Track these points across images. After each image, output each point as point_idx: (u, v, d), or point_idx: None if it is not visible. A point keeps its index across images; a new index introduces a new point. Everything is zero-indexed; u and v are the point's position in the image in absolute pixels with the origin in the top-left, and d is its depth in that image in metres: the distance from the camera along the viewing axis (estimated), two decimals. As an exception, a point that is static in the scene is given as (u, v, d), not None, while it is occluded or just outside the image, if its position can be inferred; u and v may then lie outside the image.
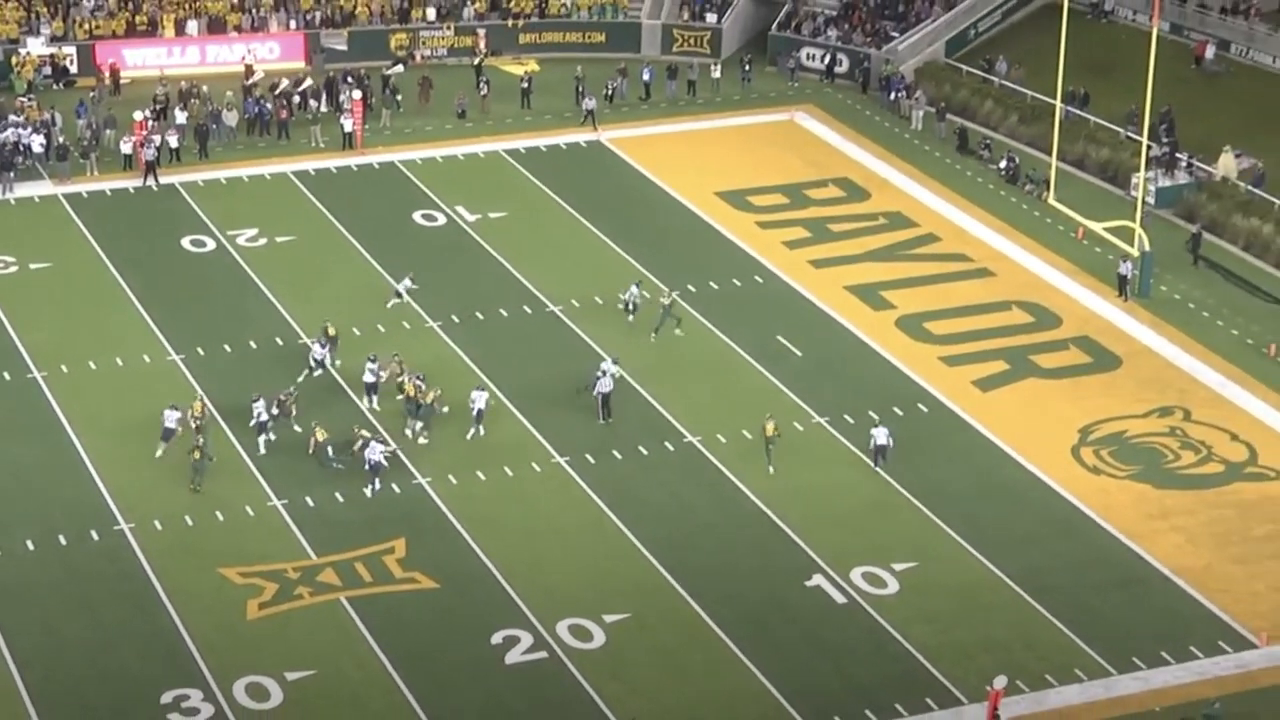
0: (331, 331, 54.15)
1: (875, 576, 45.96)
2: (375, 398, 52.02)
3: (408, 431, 50.49)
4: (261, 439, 49.81)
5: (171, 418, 49.70)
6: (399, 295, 54.69)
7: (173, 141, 67.27)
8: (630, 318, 56.72)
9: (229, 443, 50.33)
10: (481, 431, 50.39)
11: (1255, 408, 53.77)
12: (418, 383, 51.11)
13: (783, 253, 62.36)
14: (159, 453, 49.60)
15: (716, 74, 75.44)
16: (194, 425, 49.30)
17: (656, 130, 71.93)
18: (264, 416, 49.80)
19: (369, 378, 52.08)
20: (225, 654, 42.54)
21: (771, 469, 49.57)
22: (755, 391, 53.68)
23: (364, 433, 49.46)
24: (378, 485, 48.52)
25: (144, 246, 61.65)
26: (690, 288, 59.31)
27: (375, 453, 48.57)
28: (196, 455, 47.93)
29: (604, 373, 51.83)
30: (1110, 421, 53.00)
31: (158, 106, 69.76)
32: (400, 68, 73.85)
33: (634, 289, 57.17)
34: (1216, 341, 57.39)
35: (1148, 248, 59.90)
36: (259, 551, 46.09)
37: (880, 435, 49.93)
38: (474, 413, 50.60)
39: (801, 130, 72.31)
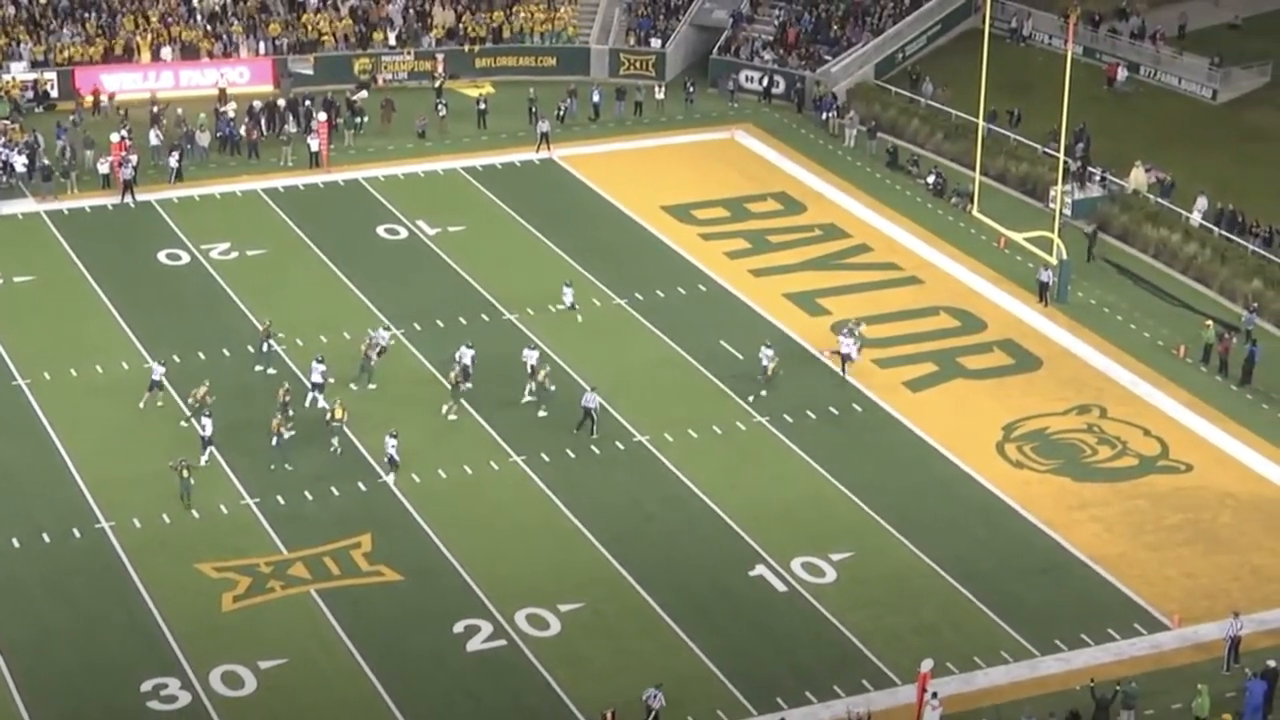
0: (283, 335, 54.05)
1: (814, 566, 45.93)
2: (322, 396, 51.81)
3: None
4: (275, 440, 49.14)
5: (158, 371, 50.83)
6: (380, 350, 53.66)
7: (173, 161, 66.51)
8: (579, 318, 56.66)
9: (200, 444, 49.96)
10: (393, 478, 48.73)
11: (1166, 405, 53.99)
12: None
13: (724, 263, 62.31)
14: (141, 404, 50.13)
15: (661, 95, 75.36)
16: (197, 403, 49.13)
17: (605, 148, 71.79)
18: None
19: (316, 378, 51.89)
20: (201, 644, 42.21)
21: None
22: (700, 393, 53.58)
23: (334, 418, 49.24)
24: (394, 478, 48.37)
25: (122, 260, 61.16)
26: (638, 296, 59.21)
27: (389, 447, 48.47)
28: (184, 473, 47.06)
29: (588, 401, 51.30)
30: (1032, 419, 53.13)
31: (159, 115, 69.17)
32: (364, 92, 73.48)
33: (566, 290, 56.71)
34: (1130, 343, 57.61)
35: (1065, 256, 60.09)
36: (233, 547, 45.75)
37: (765, 357, 50.14)
38: (387, 457, 48.56)
39: (741, 148, 72.29)
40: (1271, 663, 41.23)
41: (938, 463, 50.83)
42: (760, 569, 45.83)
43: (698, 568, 45.76)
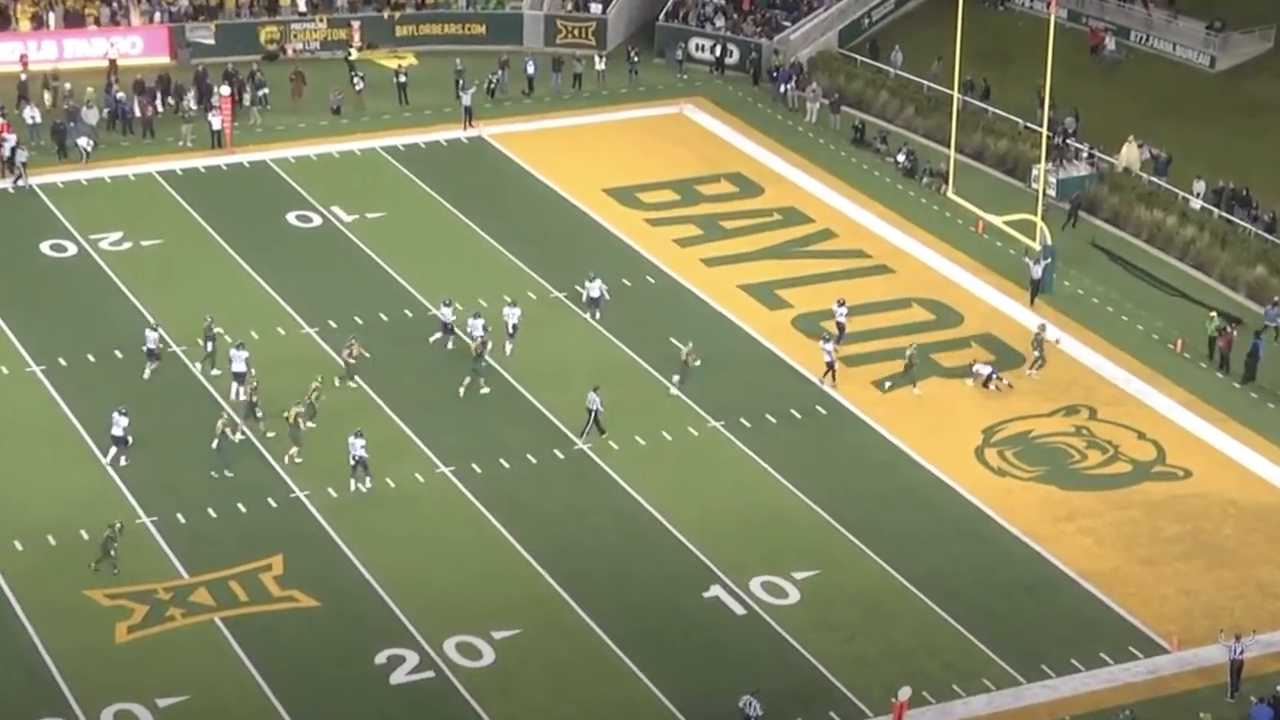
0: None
1: (775, 586, 46.01)
2: (242, 388, 51.83)
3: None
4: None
5: (152, 338, 52.71)
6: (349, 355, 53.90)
7: (84, 142, 66.12)
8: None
9: (95, 457, 49.66)
10: (367, 484, 49.29)
11: (1162, 405, 54.33)
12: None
13: (674, 251, 62.37)
14: (146, 374, 52.60)
15: (602, 66, 75.40)
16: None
17: (541, 125, 71.77)
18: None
19: (239, 366, 51.97)
20: (93, 680, 41.93)
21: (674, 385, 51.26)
22: (648, 396, 53.61)
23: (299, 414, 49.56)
24: (368, 483, 48.61)
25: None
26: (578, 288, 59.19)
27: (356, 449, 48.53)
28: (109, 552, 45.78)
29: (592, 402, 51.48)
30: (1014, 421, 53.37)
31: (39, 87, 68.83)
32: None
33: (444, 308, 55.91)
34: (1122, 337, 57.96)
35: (1049, 241, 60.39)
36: (127, 571, 45.46)
37: (594, 289, 50.18)
38: (353, 459, 49.03)
39: (691, 124, 72.38)
40: (1280, 687, 41.59)
41: (910, 470, 50.99)
42: (716, 589, 45.87)
43: (647, 588, 45.76)
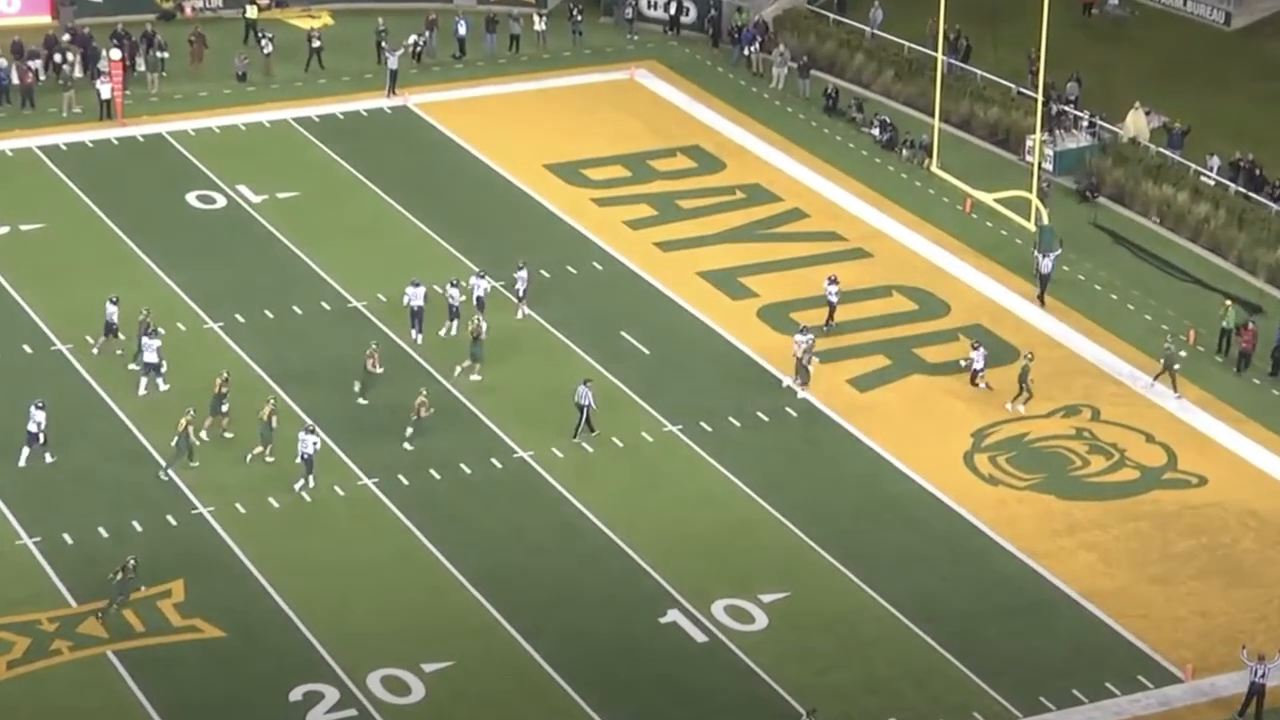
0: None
1: (740, 610, 46.11)
2: (160, 379, 52.17)
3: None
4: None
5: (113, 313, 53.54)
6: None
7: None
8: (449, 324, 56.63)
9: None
10: (311, 482, 49.69)
11: (1173, 405, 54.61)
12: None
13: (625, 234, 62.45)
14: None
15: (542, 26, 75.41)
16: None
17: (474, 93, 71.79)
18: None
19: (151, 357, 52.29)
20: (-31, 723, 41.85)
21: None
22: (596, 397, 53.63)
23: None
24: (311, 483, 49.07)
25: None
26: (517, 276, 59.18)
27: (308, 445, 48.80)
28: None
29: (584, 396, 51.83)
30: (1008, 424, 53.61)
31: None
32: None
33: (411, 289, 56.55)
34: (1128, 329, 58.26)
35: (1046, 221, 60.64)
36: (7, 599, 45.30)
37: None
38: (302, 457, 49.54)
39: (643, 91, 72.48)
40: (1307, 721, 41.88)
41: (892, 479, 51.17)
42: (673, 614, 45.95)
43: (595, 613, 45.82)
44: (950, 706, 43.29)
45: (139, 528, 47.93)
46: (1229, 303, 57.37)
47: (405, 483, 50.02)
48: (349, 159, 66.49)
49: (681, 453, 51.77)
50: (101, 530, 47.79)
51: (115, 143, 67.24)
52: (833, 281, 57.25)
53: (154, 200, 63.60)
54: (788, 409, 53.70)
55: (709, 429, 52.63)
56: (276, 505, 48.99)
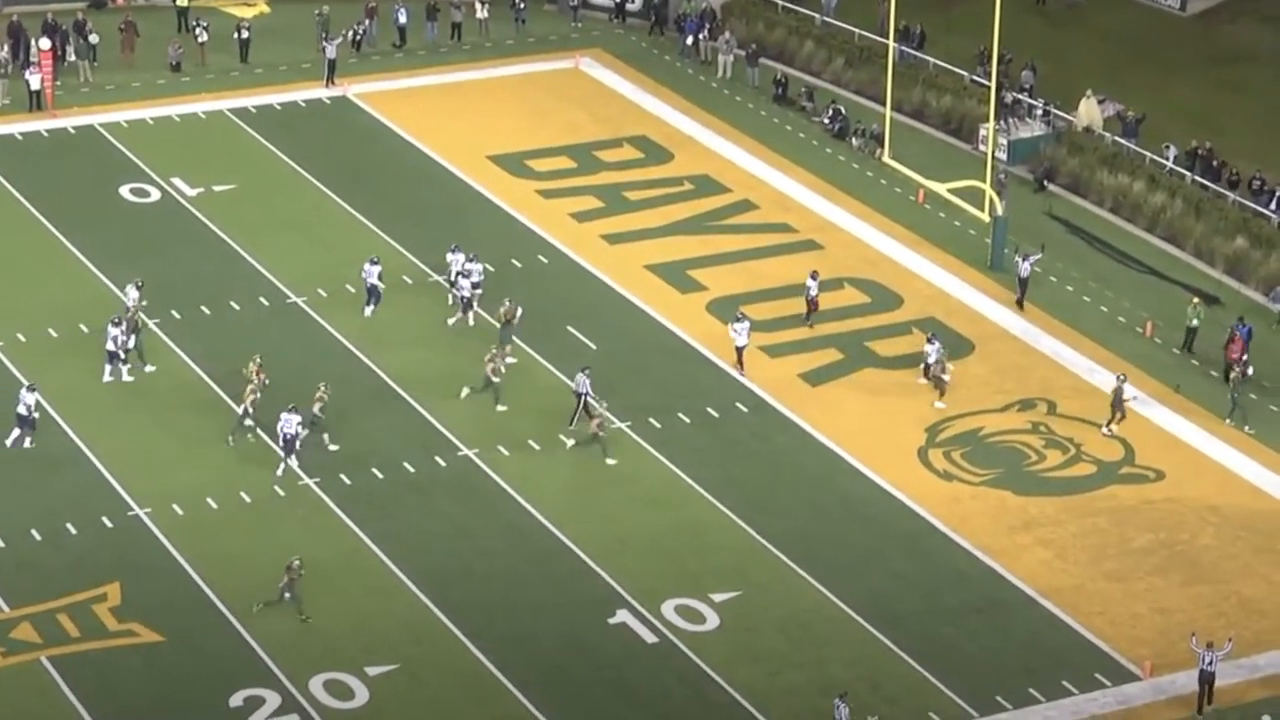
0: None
1: (691, 610, 46.22)
2: (26, 436, 51.37)
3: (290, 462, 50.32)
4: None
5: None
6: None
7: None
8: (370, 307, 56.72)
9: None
10: (294, 463, 49.93)
11: (1130, 396, 54.88)
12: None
13: (571, 226, 62.51)
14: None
15: (484, 14, 75.40)
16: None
17: (415, 82, 71.73)
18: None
19: (20, 409, 51.12)
20: (-101, 732, 41.73)
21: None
22: (543, 393, 53.71)
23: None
24: (294, 463, 49.64)
25: None
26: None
27: (290, 425, 49.34)
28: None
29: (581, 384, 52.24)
30: (963, 418, 53.84)
31: None
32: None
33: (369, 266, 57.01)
34: (1083, 320, 58.55)
35: (1000, 212, 60.92)
36: (-62, 604, 45.30)
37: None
38: (284, 438, 49.97)
39: (589, 80, 72.50)
40: (1268, 718, 42.09)
41: (845, 476, 51.34)
42: (623, 615, 46.04)
43: (543, 615, 45.87)
44: (906, 708, 43.45)
45: (73, 530, 47.80)
46: (1196, 301, 57.46)
47: (347, 482, 49.99)
48: (287, 151, 66.39)
49: (630, 450, 51.84)
50: (34, 533, 47.65)
51: (45, 134, 67.01)
52: (814, 276, 57.30)
53: (86, 193, 63.44)
54: (738, 404, 53.83)
55: (657, 425, 52.72)
56: (215, 506, 48.91)
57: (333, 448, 50.95)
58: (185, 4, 74.40)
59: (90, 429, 51.32)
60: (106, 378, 52.98)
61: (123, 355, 53.01)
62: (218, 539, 47.91)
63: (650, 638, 45.38)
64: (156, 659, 44.01)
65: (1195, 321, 56.63)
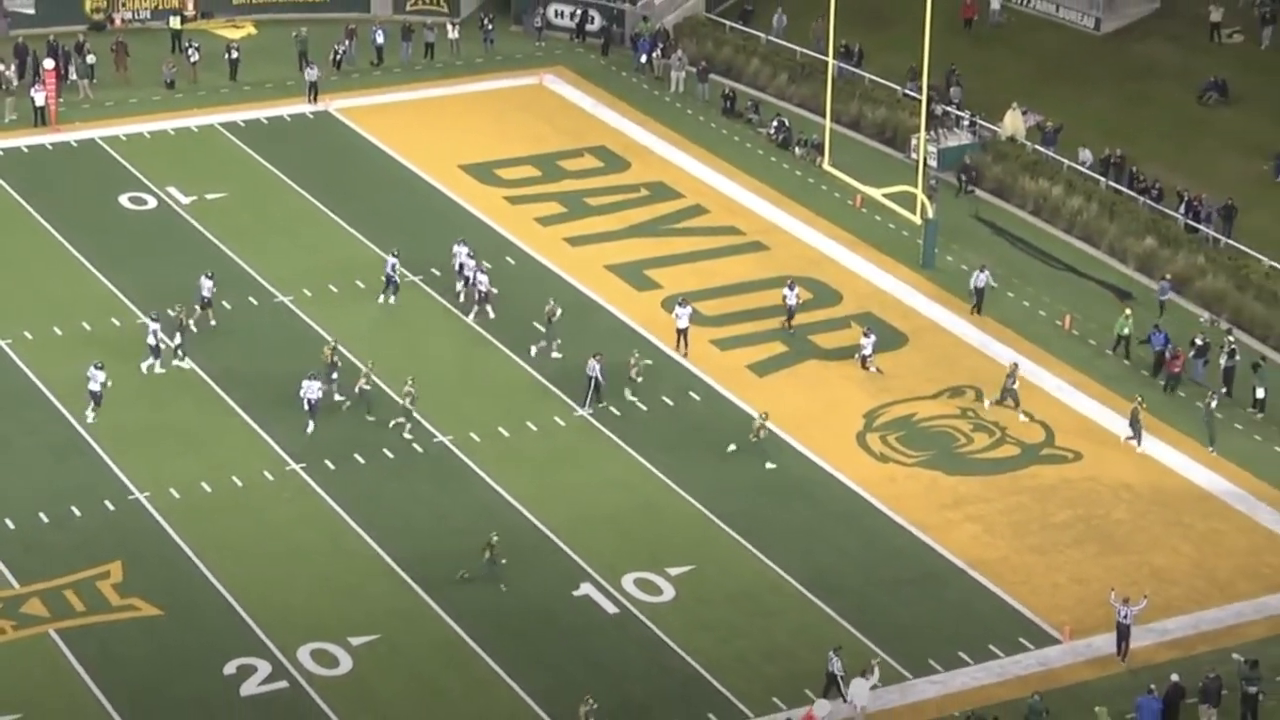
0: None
1: (649, 583, 46.29)
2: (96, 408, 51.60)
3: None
4: None
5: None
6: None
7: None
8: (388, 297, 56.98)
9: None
10: (311, 427, 50.76)
11: (1050, 385, 55.12)
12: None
13: (536, 230, 62.48)
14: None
15: (455, 35, 75.29)
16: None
17: (391, 98, 71.59)
18: None
19: (94, 386, 51.36)
20: (-82, 701, 41.60)
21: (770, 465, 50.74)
22: (511, 385, 53.72)
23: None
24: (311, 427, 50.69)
25: None
26: (434, 271, 59.18)
27: (313, 390, 50.02)
28: None
29: (593, 369, 52.55)
30: (897, 405, 53.97)
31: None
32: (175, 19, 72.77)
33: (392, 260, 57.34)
34: (1007, 314, 58.69)
35: (931, 215, 61.08)
36: (-47, 582, 45.15)
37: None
38: (307, 403, 51.01)
39: (552, 95, 72.46)
40: (1175, 678, 42.34)
41: (790, 459, 51.43)
42: (586, 588, 46.09)
43: (513, 589, 45.87)
44: (847, 670, 43.53)
45: (77, 513, 47.70)
46: (1127, 311, 57.01)
47: (331, 468, 49.94)
48: (274, 161, 66.23)
49: (592, 437, 51.87)
50: (42, 515, 47.54)
51: (50, 148, 66.73)
52: (791, 286, 57.16)
53: (88, 202, 63.19)
54: (691, 393, 53.88)
55: (617, 413, 52.75)
56: (209, 490, 48.84)
57: (370, 418, 51.37)
58: (179, 27, 74.22)
59: (94, 419, 51.19)
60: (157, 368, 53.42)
61: (173, 345, 53.43)
62: (212, 521, 47.85)
63: (611, 609, 45.44)
64: (156, 631, 43.97)
65: (1126, 330, 56.21)
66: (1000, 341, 57.11)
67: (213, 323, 55.39)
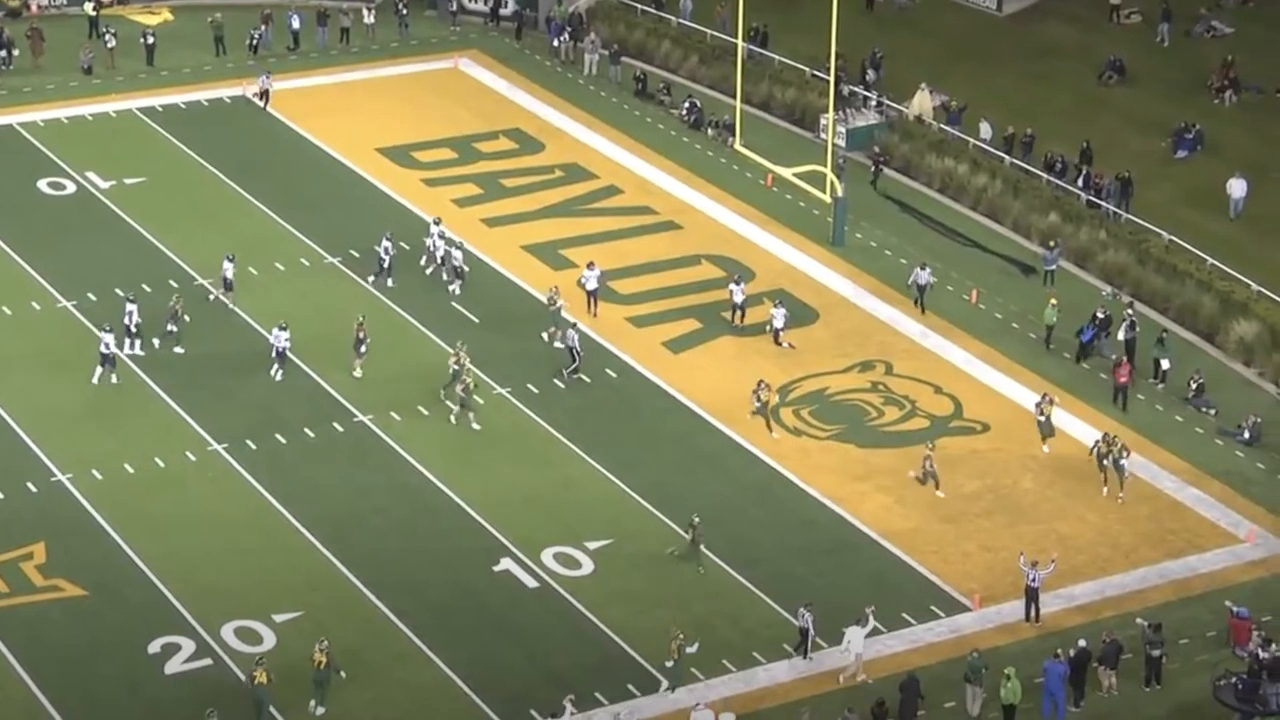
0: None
1: (568, 557, 46.21)
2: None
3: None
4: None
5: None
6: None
7: None
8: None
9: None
10: (279, 376, 51.40)
11: (959, 358, 55.30)
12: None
13: (453, 211, 62.21)
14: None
15: (371, 19, 74.89)
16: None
17: (308, 82, 71.17)
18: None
19: (103, 349, 51.50)
20: None
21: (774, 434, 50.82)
22: (431, 363, 53.47)
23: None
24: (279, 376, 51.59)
25: None
26: (354, 253, 58.86)
27: (280, 340, 51.35)
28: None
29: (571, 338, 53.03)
30: (809, 379, 54.04)
31: None
32: (90, 6, 71.97)
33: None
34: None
35: (840, 193, 61.15)
36: (-123, 566, 44.60)
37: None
38: (275, 353, 51.64)
39: (467, 78, 72.18)
40: (1083, 642, 42.57)
41: (704, 433, 51.42)
42: (506, 563, 45.97)
43: (434, 565, 45.74)
44: (762, 641, 43.65)
45: (0, 495, 47.24)
46: (1053, 301, 56.61)
47: (253, 447, 49.61)
48: (193, 146, 65.72)
49: (510, 413, 51.73)
50: (-35, 498, 47.17)
51: (-34, 134, 66.15)
52: (737, 282, 56.64)
53: (6, 187, 62.55)
54: (607, 370, 53.80)
55: (535, 390, 52.62)
56: (131, 471, 48.44)
57: (476, 427, 50.95)
58: (95, 13, 73.46)
59: (14, 401, 50.65)
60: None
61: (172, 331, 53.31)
62: (135, 501, 47.47)
63: (531, 583, 45.34)
64: (80, 611, 43.60)
65: (1054, 319, 55.86)
66: (909, 316, 57.20)
67: (232, 307, 55.19)
